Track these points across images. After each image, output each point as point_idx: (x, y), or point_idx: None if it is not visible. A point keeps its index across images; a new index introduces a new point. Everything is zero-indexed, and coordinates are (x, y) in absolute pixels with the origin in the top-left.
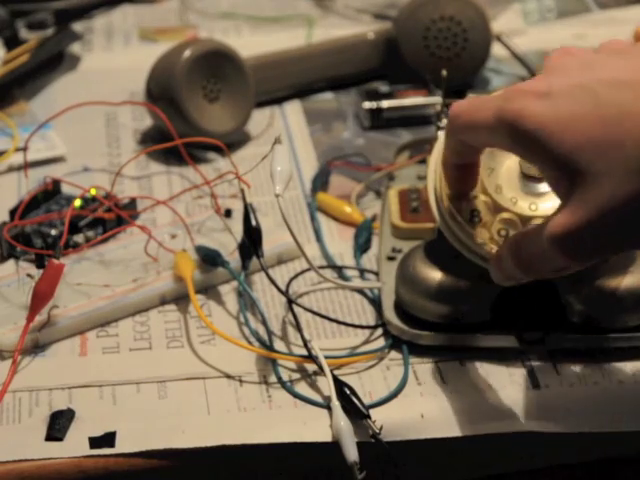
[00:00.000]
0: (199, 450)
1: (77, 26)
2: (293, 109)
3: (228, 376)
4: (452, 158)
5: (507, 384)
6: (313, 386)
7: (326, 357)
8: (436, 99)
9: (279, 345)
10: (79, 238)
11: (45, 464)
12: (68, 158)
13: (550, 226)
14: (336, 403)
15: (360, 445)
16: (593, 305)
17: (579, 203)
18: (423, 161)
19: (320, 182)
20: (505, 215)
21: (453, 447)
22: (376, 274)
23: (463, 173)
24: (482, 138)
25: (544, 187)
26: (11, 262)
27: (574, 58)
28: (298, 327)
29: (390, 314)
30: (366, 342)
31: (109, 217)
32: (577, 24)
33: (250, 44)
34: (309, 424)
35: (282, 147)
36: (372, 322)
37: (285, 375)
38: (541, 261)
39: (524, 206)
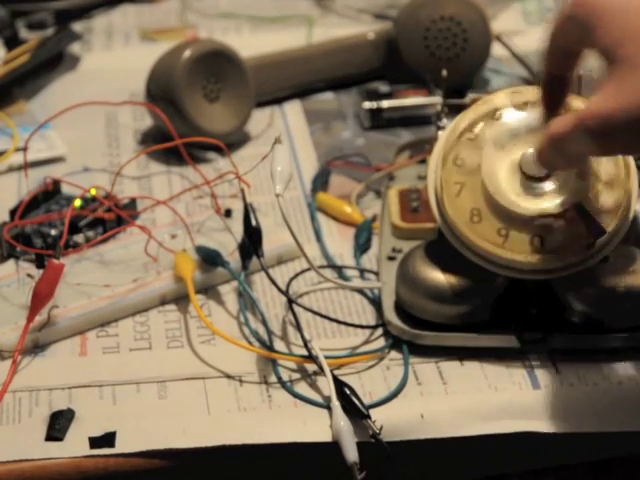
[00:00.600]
0: (199, 450)
1: (77, 26)
2: (293, 109)
3: (228, 376)
4: (548, 66)
5: (507, 384)
6: (313, 386)
7: (326, 357)
8: (436, 99)
9: (279, 345)
10: (79, 238)
11: (45, 464)
12: (68, 158)
13: (583, 109)
14: (336, 403)
15: (360, 445)
16: (593, 305)
17: (615, 89)
18: (423, 161)
19: (320, 182)
20: (505, 215)
21: (453, 447)
22: (376, 274)
23: (556, 85)
24: (563, 34)
25: (544, 187)
26: (11, 262)
27: None
28: (298, 327)
29: (390, 314)
30: (366, 342)
31: (109, 217)
32: None
33: (250, 44)
34: (309, 424)
35: (282, 147)
36: (372, 322)
37: (285, 375)
38: (570, 141)
39: (524, 206)
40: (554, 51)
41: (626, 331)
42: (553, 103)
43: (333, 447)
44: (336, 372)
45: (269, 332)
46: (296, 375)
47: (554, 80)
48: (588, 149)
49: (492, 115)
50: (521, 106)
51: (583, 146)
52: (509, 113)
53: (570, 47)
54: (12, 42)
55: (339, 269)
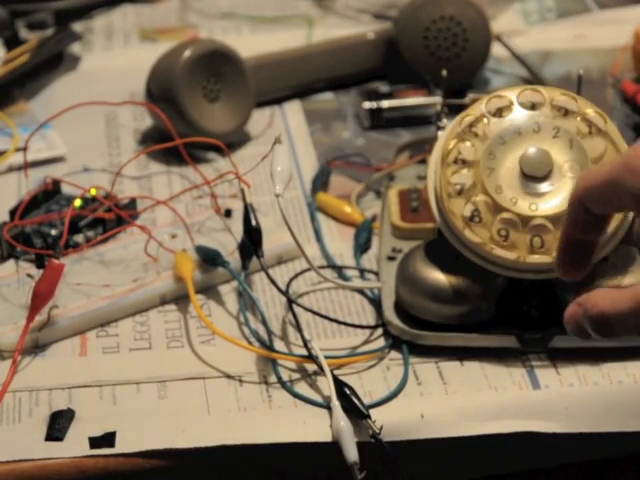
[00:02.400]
0: (199, 450)
1: (77, 26)
2: (293, 109)
3: (228, 376)
4: (574, 232)
5: (507, 384)
6: (313, 386)
7: (326, 357)
8: (436, 99)
9: (279, 345)
10: (79, 238)
11: (45, 464)
12: (68, 158)
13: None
14: (336, 403)
15: (360, 445)
16: None
17: None
18: (423, 161)
19: (320, 182)
20: (505, 215)
21: (453, 447)
22: (376, 274)
23: (578, 251)
24: (605, 195)
25: (544, 187)
26: (11, 262)
27: None
28: (298, 327)
29: (390, 314)
30: (366, 342)
31: (109, 217)
32: (577, 24)
33: (250, 44)
34: (309, 424)
35: (282, 147)
36: (372, 322)
37: (285, 375)
38: (620, 323)
39: (524, 206)
40: (582, 215)
41: None
42: (574, 266)
43: (333, 447)
44: (336, 372)
45: (269, 332)
46: (296, 375)
47: (577, 243)
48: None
49: (492, 115)
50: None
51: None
52: (509, 113)
53: (604, 212)
54: (12, 42)
55: (339, 269)
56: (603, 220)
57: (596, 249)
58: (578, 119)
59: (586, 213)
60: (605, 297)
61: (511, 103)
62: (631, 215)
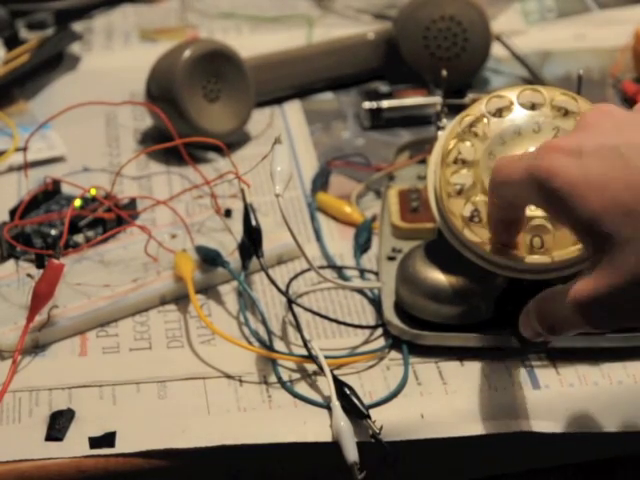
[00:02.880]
0: (199, 450)
1: (77, 26)
2: (293, 109)
3: (228, 376)
4: (496, 214)
5: (507, 384)
6: (313, 386)
7: (326, 357)
8: (436, 99)
9: (279, 345)
10: (79, 238)
11: (45, 464)
12: (68, 158)
13: (574, 290)
14: (336, 403)
15: (360, 445)
16: None
17: (604, 270)
18: (423, 161)
19: (320, 182)
20: None
21: (453, 447)
22: (376, 274)
23: (507, 227)
24: (516, 193)
25: None
26: (11, 262)
27: (609, 118)
28: (298, 327)
29: (390, 314)
30: (366, 342)
31: (109, 217)
32: (577, 24)
33: (250, 44)
34: (309, 424)
35: (282, 147)
36: (372, 322)
37: (285, 375)
38: (563, 323)
39: None
40: (501, 204)
41: (626, 331)
42: (508, 238)
43: (333, 447)
44: (336, 372)
45: (269, 332)
46: (296, 375)
47: (505, 222)
48: (580, 326)
49: (492, 115)
50: (523, 105)
51: (575, 323)
52: (509, 113)
53: (520, 203)
54: (12, 42)
55: (339, 269)
56: (522, 207)
57: (523, 222)
58: (578, 119)
59: (504, 199)
60: (547, 296)
61: (511, 103)
62: None
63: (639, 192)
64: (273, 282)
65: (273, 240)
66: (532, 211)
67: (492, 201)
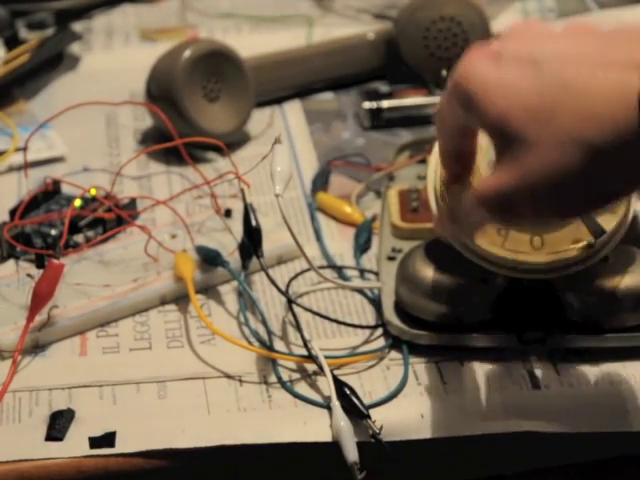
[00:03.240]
0: (199, 450)
1: (77, 26)
2: (293, 109)
3: (228, 376)
4: (444, 145)
5: (507, 384)
6: (313, 386)
7: (326, 357)
8: (436, 99)
9: (279, 345)
10: (79, 238)
11: (45, 464)
12: (68, 158)
13: (479, 185)
14: (336, 403)
15: (360, 445)
16: (593, 305)
17: (508, 167)
18: (423, 161)
19: (320, 182)
20: None
21: (453, 447)
22: (376, 274)
23: (458, 159)
24: (452, 113)
25: None
26: (11, 262)
27: (535, 28)
28: (298, 327)
29: (390, 314)
30: (366, 342)
31: (109, 217)
32: None
33: (250, 44)
34: (309, 424)
35: (282, 147)
36: (372, 322)
37: (285, 375)
38: (466, 214)
39: None
40: (449, 131)
41: (626, 331)
42: (458, 176)
43: (333, 447)
44: (336, 372)
45: (269, 332)
46: (296, 375)
47: (455, 155)
48: (487, 220)
49: None
50: None
51: (480, 219)
52: None
53: (464, 125)
54: (12, 42)
55: (339, 269)
56: (470, 133)
57: (473, 154)
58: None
59: (452, 131)
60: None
61: None
62: (631, 215)
63: (548, 98)
64: (273, 282)
65: (273, 240)
66: None
67: (439, 135)
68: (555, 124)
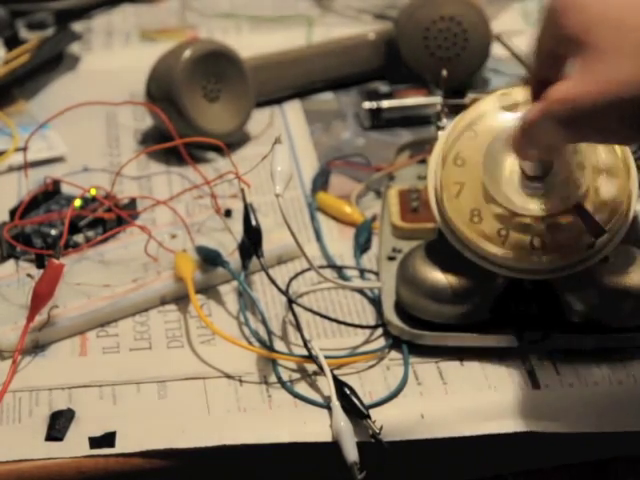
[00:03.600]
0: (199, 450)
1: (77, 26)
2: (293, 109)
3: (228, 376)
4: (537, 67)
5: (507, 384)
6: (313, 386)
7: (326, 357)
8: (436, 99)
9: (279, 345)
10: (79, 238)
11: (45, 464)
12: (68, 158)
13: (551, 91)
14: (336, 403)
15: (360, 445)
16: (593, 305)
17: (583, 75)
18: (423, 161)
19: (320, 182)
20: (505, 215)
21: (453, 447)
22: (376, 274)
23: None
24: (542, 32)
25: (544, 187)
26: (11, 262)
27: None
28: (298, 327)
29: (390, 314)
30: (366, 342)
31: (109, 217)
32: None
33: (250, 44)
34: (309, 424)
35: (282, 147)
36: (372, 322)
37: (285, 375)
38: (539, 128)
39: (524, 206)
40: (540, 55)
41: (626, 331)
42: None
43: (333, 447)
44: (336, 372)
45: (269, 332)
46: (296, 375)
47: (542, 84)
48: (557, 136)
49: (492, 115)
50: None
51: (552, 133)
52: (510, 112)
53: (554, 50)
54: (12, 42)
55: (339, 269)
56: (560, 60)
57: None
58: None
59: (545, 56)
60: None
61: (512, 103)
62: (631, 215)
63: (628, 10)
64: (273, 282)
65: (273, 240)
66: (532, 211)
67: (533, 58)
68: (635, 35)
